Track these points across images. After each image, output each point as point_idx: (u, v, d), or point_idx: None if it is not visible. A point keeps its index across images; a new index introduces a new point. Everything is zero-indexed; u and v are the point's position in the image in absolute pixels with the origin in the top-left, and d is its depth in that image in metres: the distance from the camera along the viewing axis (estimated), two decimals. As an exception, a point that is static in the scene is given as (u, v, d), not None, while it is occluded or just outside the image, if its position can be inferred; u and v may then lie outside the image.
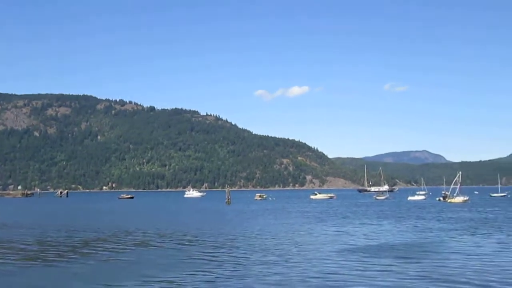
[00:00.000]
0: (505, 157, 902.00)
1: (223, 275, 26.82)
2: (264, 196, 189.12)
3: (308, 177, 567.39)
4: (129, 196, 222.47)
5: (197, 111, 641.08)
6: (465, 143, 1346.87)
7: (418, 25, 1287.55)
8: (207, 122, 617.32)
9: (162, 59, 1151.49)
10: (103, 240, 45.81)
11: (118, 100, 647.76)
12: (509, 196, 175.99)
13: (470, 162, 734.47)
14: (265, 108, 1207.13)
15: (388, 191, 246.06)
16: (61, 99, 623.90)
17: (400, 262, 30.85)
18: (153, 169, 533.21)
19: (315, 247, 39.19)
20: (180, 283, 24.69)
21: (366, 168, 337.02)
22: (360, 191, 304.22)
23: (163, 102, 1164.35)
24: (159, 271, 27.97)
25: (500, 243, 40.72)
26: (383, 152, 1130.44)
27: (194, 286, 24.08)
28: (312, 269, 28.35)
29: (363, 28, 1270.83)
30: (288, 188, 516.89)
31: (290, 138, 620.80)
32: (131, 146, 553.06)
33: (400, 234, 49.64)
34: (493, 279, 24.91)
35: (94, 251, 37.54)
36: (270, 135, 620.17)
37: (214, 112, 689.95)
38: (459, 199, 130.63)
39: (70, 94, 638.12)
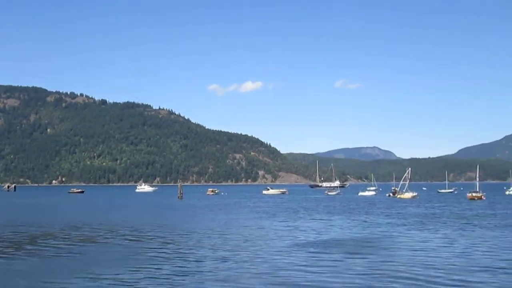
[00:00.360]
0: (453, 154, 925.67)
1: (170, 271, 26.37)
2: (216, 191, 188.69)
3: (261, 172, 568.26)
4: (79, 190, 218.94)
5: (150, 105, 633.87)
6: (414, 140, 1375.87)
7: (371, 25, 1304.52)
8: (160, 116, 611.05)
9: (114, 51, 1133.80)
10: (50, 235, 44.72)
11: (68, 92, 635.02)
12: (456, 192, 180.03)
13: (419, 159, 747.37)
14: (218, 103, 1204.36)
15: (340, 186, 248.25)
16: (10, 90, 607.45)
17: (348, 257, 31.02)
18: (104, 163, 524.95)
19: (265, 242, 39.10)
20: (125, 280, 24.13)
21: (318, 164, 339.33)
22: (312, 186, 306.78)
23: (115, 95, 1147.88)
24: (104, 268, 27.31)
25: (446, 238, 41.45)
26: (335, 148, 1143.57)
27: (139, 283, 23.56)
28: (262, 265, 28.20)
29: (317, 26, 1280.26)
30: (240, 183, 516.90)
31: (243, 133, 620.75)
32: (81, 139, 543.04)
33: (349, 229, 50.07)
34: (438, 274, 25.20)
35: (39, 247, 36.55)
36: (223, 130, 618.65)
37: (166, 106, 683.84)
38: (408, 195, 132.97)
39: (19, 85, 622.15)
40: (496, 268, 26.87)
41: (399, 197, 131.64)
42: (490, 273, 25.33)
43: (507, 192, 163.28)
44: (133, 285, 23.03)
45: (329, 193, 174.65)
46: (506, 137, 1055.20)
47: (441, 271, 26.00)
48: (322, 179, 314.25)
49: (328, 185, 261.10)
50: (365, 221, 59.13)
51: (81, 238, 42.66)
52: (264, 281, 23.74)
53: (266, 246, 36.50)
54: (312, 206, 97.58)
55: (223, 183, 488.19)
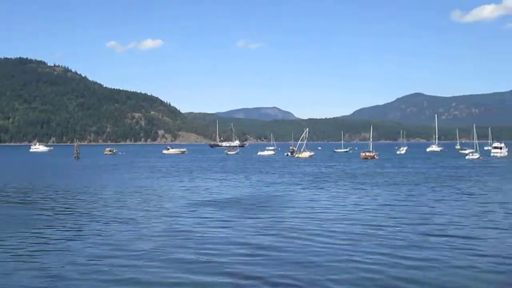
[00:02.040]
0: (349, 115, 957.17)
1: (55, 235, 25.32)
2: (114, 151, 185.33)
3: (160, 132, 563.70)
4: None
5: (44, 62, 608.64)
6: (312, 102, 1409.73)
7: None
8: (55, 73, 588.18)
9: (4, 4, 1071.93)
10: None
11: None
12: (351, 152, 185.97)
13: (316, 119, 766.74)
14: (117, 60, 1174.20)
15: (239, 146, 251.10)
16: None
17: (240, 216, 31.09)
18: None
19: (160, 202, 38.60)
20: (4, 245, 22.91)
21: (218, 124, 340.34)
22: (212, 146, 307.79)
23: (5, 50, 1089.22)
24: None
25: (336, 196, 42.56)
26: (235, 108, 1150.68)
27: (16, 250, 22.42)
28: (155, 227, 27.71)
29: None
30: (139, 143, 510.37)
31: (142, 92, 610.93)
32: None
33: (246, 188, 50.43)
34: (322, 232, 25.72)
35: None
36: (121, 89, 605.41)
37: (62, 63, 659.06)
38: (305, 154, 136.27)
39: None
40: (382, 225, 27.82)
41: (297, 157, 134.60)
42: (376, 231, 26.15)
43: (398, 152, 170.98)
44: (10, 252, 21.86)
45: (229, 153, 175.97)
46: (398, 99, 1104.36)
47: (326, 228, 26.57)
48: (222, 138, 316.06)
49: (228, 145, 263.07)
50: (262, 181, 59.83)
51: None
52: (155, 243, 23.30)
53: (160, 207, 36.02)
54: (210, 166, 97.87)
55: (122, 143, 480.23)
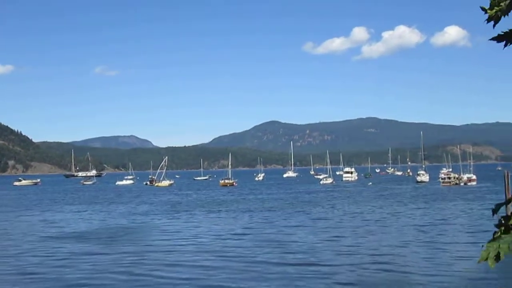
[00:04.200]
0: (207, 143, 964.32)
1: None
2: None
3: (11, 162, 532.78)
4: None
5: None
6: (171, 130, 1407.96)
7: (130, 12, 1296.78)
8: None
9: None
10: None
11: None
12: (210, 179, 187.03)
13: (175, 147, 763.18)
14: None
15: (96, 176, 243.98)
16: None
17: (96, 251, 30.12)
18: None
19: (8, 240, 36.40)
20: None
21: (74, 153, 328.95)
22: (67, 176, 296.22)
23: None
24: None
25: (193, 226, 42.64)
26: (91, 137, 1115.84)
27: None
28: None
29: (73, 8, 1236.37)
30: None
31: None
32: None
33: (102, 220, 49.03)
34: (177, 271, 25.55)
35: None
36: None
37: None
38: (165, 183, 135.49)
39: None
40: (238, 256, 28.16)
41: (157, 185, 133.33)
42: (230, 262, 26.43)
43: (256, 178, 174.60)
44: None
45: (85, 183, 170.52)
46: (255, 127, 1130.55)
47: (181, 261, 26.46)
48: (77, 168, 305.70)
49: (84, 175, 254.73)
50: (119, 211, 58.48)
51: None
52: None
53: (6, 244, 33.98)
54: (65, 197, 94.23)
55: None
